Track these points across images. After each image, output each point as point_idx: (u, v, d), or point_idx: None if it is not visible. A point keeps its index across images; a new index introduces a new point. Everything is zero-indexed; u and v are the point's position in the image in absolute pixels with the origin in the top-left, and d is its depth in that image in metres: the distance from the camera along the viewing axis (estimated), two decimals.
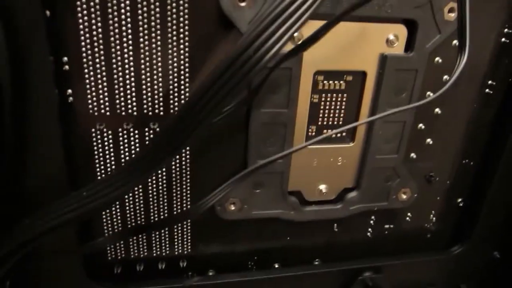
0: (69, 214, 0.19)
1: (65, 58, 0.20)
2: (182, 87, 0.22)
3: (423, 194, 0.28)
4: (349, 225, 0.28)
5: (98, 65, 0.20)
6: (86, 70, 0.20)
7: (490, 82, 0.26)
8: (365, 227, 0.29)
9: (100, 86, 0.21)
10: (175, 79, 0.21)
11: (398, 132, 0.25)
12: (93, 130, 0.22)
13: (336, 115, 0.24)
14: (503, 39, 0.24)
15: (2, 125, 0.20)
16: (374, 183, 0.26)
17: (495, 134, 0.27)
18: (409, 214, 0.29)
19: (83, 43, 0.20)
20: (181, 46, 0.21)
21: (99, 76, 0.21)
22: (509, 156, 0.27)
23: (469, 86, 0.25)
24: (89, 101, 0.21)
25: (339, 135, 0.25)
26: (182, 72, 0.21)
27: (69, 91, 0.21)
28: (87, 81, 0.21)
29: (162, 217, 0.24)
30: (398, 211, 0.29)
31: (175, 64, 0.21)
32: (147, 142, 0.22)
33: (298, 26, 0.16)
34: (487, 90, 0.26)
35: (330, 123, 0.24)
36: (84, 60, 0.20)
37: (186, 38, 0.20)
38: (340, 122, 0.25)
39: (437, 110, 0.25)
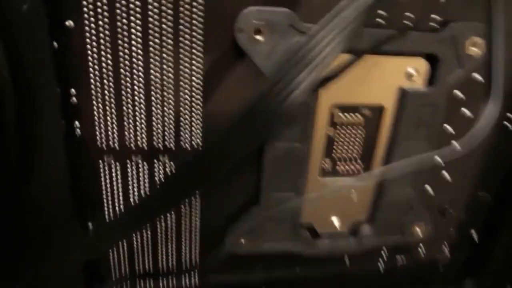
0: (76, 255, 0.18)
1: (73, 90, 0.19)
2: (194, 119, 0.21)
3: (437, 226, 0.27)
4: (360, 257, 0.27)
5: (107, 98, 0.20)
6: (94, 103, 0.20)
7: (508, 114, 0.25)
8: (376, 259, 0.28)
9: (108, 119, 0.20)
10: (187, 112, 0.21)
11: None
12: (100, 162, 0.21)
13: (352, 148, 0.23)
14: None
15: (7, 157, 0.19)
16: (388, 217, 0.25)
17: (511, 167, 0.26)
18: (421, 245, 0.28)
19: (91, 75, 0.19)
20: (194, 79, 0.20)
21: (108, 108, 0.20)
22: None
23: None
24: (97, 134, 0.20)
25: (353, 167, 0.24)
26: (194, 104, 0.20)
27: (77, 123, 0.20)
28: (96, 113, 0.20)
29: (171, 256, 0.23)
30: (410, 243, 0.28)
31: (187, 97, 0.20)
32: (159, 173, 0.21)
33: (326, 66, 0.15)
34: (505, 122, 0.25)
35: (345, 155, 0.24)
36: (93, 92, 0.19)
37: (199, 72, 0.20)
38: (355, 155, 0.24)
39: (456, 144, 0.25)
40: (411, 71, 0.22)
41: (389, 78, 0.22)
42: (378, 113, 0.23)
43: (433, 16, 0.20)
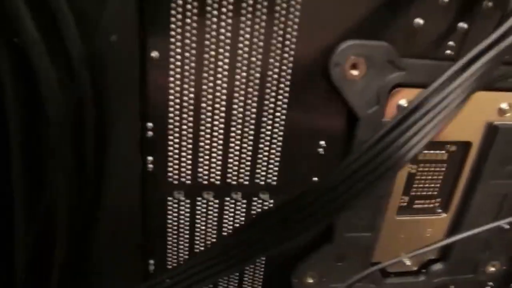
0: None
1: (150, 124, 0.18)
2: (272, 156, 0.19)
3: (509, 264, 0.26)
4: None
5: (184, 132, 0.18)
6: (170, 137, 0.18)
7: None
8: None
9: (183, 154, 0.19)
10: (266, 148, 0.19)
11: (497, 204, 0.23)
12: (170, 198, 0.20)
13: (432, 185, 0.22)
14: None
15: (85, 186, 0.18)
16: (462, 256, 0.24)
17: None
18: (490, 283, 0.27)
19: (170, 109, 0.18)
20: (277, 114, 0.18)
21: (183, 143, 0.18)
22: None
23: None
24: (169, 169, 0.19)
25: (432, 205, 0.23)
26: (273, 141, 0.19)
27: (150, 158, 0.19)
28: (170, 148, 0.18)
29: None
30: (481, 282, 0.26)
31: (267, 133, 0.19)
32: (240, 229, 0.20)
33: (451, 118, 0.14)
34: None
35: (424, 193, 0.22)
36: (170, 126, 0.18)
37: (283, 105, 0.18)
38: (435, 193, 0.22)
39: None
40: (504, 106, 0.20)
41: (480, 113, 0.20)
42: (463, 149, 0.21)
43: None
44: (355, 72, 0.17)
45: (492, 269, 0.25)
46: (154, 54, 0.16)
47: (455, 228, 0.23)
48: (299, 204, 0.15)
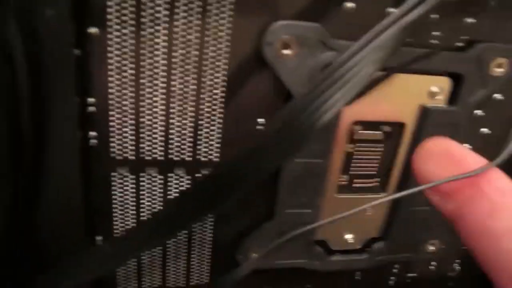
0: (90, 272, 0.17)
1: (90, 99, 0.18)
2: (214, 132, 0.20)
3: (450, 243, 0.27)
4: (371, 274, 0.27)
5: (126, 108, 0.19)
6: (112, 112, 0.19)
7: None
8: (387, 276, 0.28)
9: (125, 129, 0.19)
10: (207, 124, 0.20)
11: None
12: (114, 174, 0.20)
13: (370, 165, 0.23)
14: None
15: (20, 166, 0.18)
16: (402, 234, 0.25)
17: None
18: (433, 263, 0.28)
19: (111, 84, 0.18)
20: (216, 91, 0.19)
21: (126, 119, 0.19)
22: None
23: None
24: (112, 144, 0.20)
25: (370, 184, 0.24)
26: (214, 117, 0.20)
27: (92, 133, 0.19)
28: (112, 123, 0.19)
29: (180, 272, 0.23)
30: (423, 260, 0.28)
31: (208, 109, 0.20)
32: (177, 197, 0.21)
33: (361, 85, 0.15)
34: None
35: (363, 172, 0.23)
36: (111, 102, 0.19)
37: (222, 83, 0.19)
38: (373, 172, 0.23)
39: None
40: (434, 89, 0.21)
41: (412, 95, 0.21)
42: (398, 130, 0.22)
43: (460, 36, 0.20)
44: (287, 52, 0.18)
45: (432, 248, 0.26)
46: (93, 30, 0.17)
47: (394, 207, 0.24)
48: (224, 171, 0.16)
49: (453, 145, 0.14)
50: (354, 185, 0.23)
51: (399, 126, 0.22)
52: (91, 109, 0.19)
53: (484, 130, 0.23)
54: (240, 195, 0.16)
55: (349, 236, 0.25)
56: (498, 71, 0.21)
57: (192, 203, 0.17)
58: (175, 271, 0.23)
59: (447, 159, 0.13)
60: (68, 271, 0.17)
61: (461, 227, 0.13)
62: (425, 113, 0.22)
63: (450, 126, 0.22)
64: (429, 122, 0.22)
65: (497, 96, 0.22)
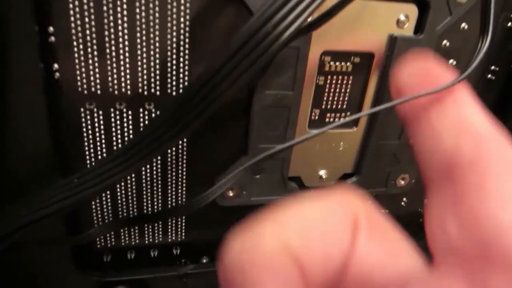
0: (59, 203, 0.17)
1: (51, 28, 0.18)
2: (181, 64, 0.20)
3: (419, 179, 0.28)
4: None
5: (88, 37, 0.18)
6: (74, 43, 0.18)
7: (493, 67, 0.25)
8: None
9: (90, 61, 0.19)
10: (174, 56, 0.20)
11: None
12: (82, 110, 0.20)
13: (341, 98, 0.23)
14: (509, 24, 0.24)
15: None
16: (374, 169, 0.26)
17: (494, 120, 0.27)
18: (404, 199, 0.29)
19: (71, 12, 0.18)
20: (181, 20, 0.19)
21: (89, 49, 0.19)
22: None
23: (474, 71, 0.25)
24: (78, 78, 0.19)
25: (342, 119, 0.24)
26: (181, 48, 0.20)
27: (56, 65, 0.19)
28: (76, 55, 0.19)
29: (156, 206, 0.23)
30: (394, 196, 0.28)
31: (174, 40, 0.19)
32: (146, 124, 0.20)
33: (318, 6, 0.14)
34: (489, 75, 0.26)
35: (334, 106, 0.23)
36: (73, 31, 0.18)
37: (187, 12, 0.19)
38: (344, 106, 0.24)
39: None
40: (402, 18, 0.21)
41: (380, 24, 0.21)
42: (367, 61, 0.22)
43: None
44: None
45: (402, 182, 0.27)
46: None
47: (365, 141, 0.25)
48: (193, 91, 0.16)
49: (431, 61, 0.14)
50: (325, 119, 0.24)
51: (368, 57, 0.22)
52: (52, 39, 0.18)
53: (452, 61, 0.24)
54: (210, 113, 0.15)
55: (322, 172, 0.25)
56: None
57: (164, 125, 0.16)
58: (152, 204, 0.23)
59: (423, 75, 0.13)
60: (36, 201, 0.17)
61: (413, 126, 0.13)
62: (393, 42, 0.22)
63: None
64: (397, 52, 0.22)
65: (463, 25, 0.23)
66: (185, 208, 0.20)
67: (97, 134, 0.21)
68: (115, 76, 0.19)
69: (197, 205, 0.19)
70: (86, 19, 0.18)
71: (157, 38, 0.19)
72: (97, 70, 0.19)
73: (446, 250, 0.11)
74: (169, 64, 0.20)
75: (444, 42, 0.23)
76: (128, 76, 0.20)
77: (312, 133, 0.17)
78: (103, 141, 0.21)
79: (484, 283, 0.09)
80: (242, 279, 0.10)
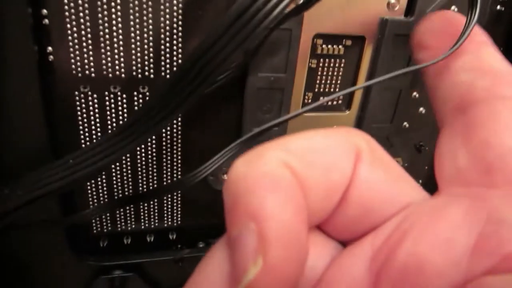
0: (54, 184, 0.17)
1: (45, 11, 0.18)
2: (175, 47, 0.20)
3: (412, 163, 0.28)
4: None
5: (82, 20, 0.18)
6: (68, 25, 0.18)
7: None
8: None
9: (84, 44, 0.19)
10: (168, 38, 0.20)
11: (394, 100, 0.25)
12: (76, 93, 0.20)
13: (334, 81, 0.24)
14: (498, 7, 0.24)
15: None
16: None
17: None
18: None
19: None
20: (174, 2, 0.19)
21: (83, 32, 0.19)
22: None
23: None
24: (72, 61, 0.19)
25: (335, 102, 0.24)
26: (174, 30, 0.20)
27: (50, 48, 0.19)
28: (69, 37, 0.19)
29: (151, 188, 0.23)
30: None
31: (168, 22, 0.19)
32: (140, 106, 0.21)
33: None
34: None
35: (327, 90, 0.24)
36: (66, 13, 0.18)
37: (180, 6, 0.19)
38: (337, 89, 0.24)
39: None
40: (392, 0, 0.22)
41: (372, 7, 0.22)
42: (358, 44, 0.23)
43: None
44: None
45: None
46: None
47: (358, 124, 0.25)
48: (186, 69, 0.16)
49: (455, 16, 0.15)
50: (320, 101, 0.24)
51: (359, 40, 0.23)
52: (46, 21, 0.18)
53: None
54: (203, 91, 0.16)
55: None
56: None
57: (159, 105, 0.17)
58: (146, 188, 0.23)
59: (446, 30, 0.14)
60: (31, 182, 0.17)
61: (431, 68, 0.14)
62: (384, 25, 0.22)
63: (408, 38, 0.23)
64: (388, 34, 0.22)
65: (453, 8, 0.23)
66: (178, 185, 0.20)
67: (92, 117, 0.21)
68: (109, 59, 0.19)
69: (190, 181, 0.19)
70: (80, 2, 0.18)
71: (150, 21, 0.19)
72: (91, 53, 0.19)
73: (452, 176, 0.11)
74: (162, 47, 0.20)
75: None
76: (122, 59, 0.20)
77: (305, 108, 0.17)
78: (98, 124, 0.21)
79: (484, 199, 0.10)
80: (245, 195, 0.10)
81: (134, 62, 0.20)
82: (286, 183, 0.10)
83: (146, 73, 0.20)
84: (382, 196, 0.11)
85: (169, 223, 0.25)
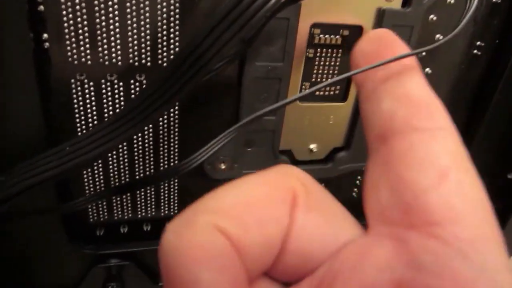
0: (50, 171, 0.17)
1: None
2: (172, 35, 0.20)
3: None
4: (335, 185, 0.28)
5: (78, 7, 0.18)
6: (64, 12, 0.18)
7: (478, 43, 0.26)
8: (351, 187, 0.29)
9: (80, 31, 0.19)
10: (165, 26, 0.20)
11: None
12: (72, 80, 0.20)
13: (331, 71, 0.24)
14: None
15: None
16: (363, 143, 0.26)
17: (480, 96, 0.28)
18: None
19: None
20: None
21: (79, 19, 0.19)
22: (491, 119, 0.28)
23: (459, 46, 0.25)
24: (68, 48, 0.19)
25: (332, 92, 0.24)
26: (171, 18, 0.20)
27: (45, 35, 0.19)
28: (65, 24, 0.18)
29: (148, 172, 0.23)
30: None
31: (165, 10, 0.19)
32: (136, 93, 0.21)
33: None
34: (475, 51, 0.26)
35: (324, 79, 0.24)
36: (62, 1, 0.18)
37: None
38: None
39: (427, 69, 0.25)
40: None
41: None
42: (356, 34, 0.23)
43: None
44: None
45: None
46: None
47: (355, 115, 0.25)
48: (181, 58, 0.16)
49: (389, 34, 0.14)
50: (316, 93, 0.24)
51: (357, 30, 0.23)
52: (41, 8, 0.18)
53: (439, 36, 0.24)
54: (200, 79, 0.16)
55: (313, 146, 0.26)
56: None
57: (156, 92, 0.17)
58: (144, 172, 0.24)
59: (381, 44, 0.14)
60: (27, 169, 0.17)
61: (362, 91, 0.14)
62: (381, 15, 0.22)
63: (406, 29, 0.23)
64: (385, 24, 0.22)
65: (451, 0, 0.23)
66: (174, 171, 0.20)
67: (88, 105, 0.21)
68: (105, 46, 0.19)
69: (186, 167, 0.20)
70: None
71: (147, 8, 0.19)
72: (87, 40, 0.19)
73: (378, 215, 0.11)
74: (159, 35, 0.20)
75: (431, 16, 0.23)
76: (118, 47, 0.20)
77: (301, 93, 0.17)
78: (95, 112, 0.21)
79: (406, 241, 0.10)
80: (179, 269, 0.10)
81: (130, 50, 0.20)
82: (220, 252, 0.10)
83: (143, 61, 0.20)
84: (319, 239, 0.11)
85: (166, 212, 0.25)
